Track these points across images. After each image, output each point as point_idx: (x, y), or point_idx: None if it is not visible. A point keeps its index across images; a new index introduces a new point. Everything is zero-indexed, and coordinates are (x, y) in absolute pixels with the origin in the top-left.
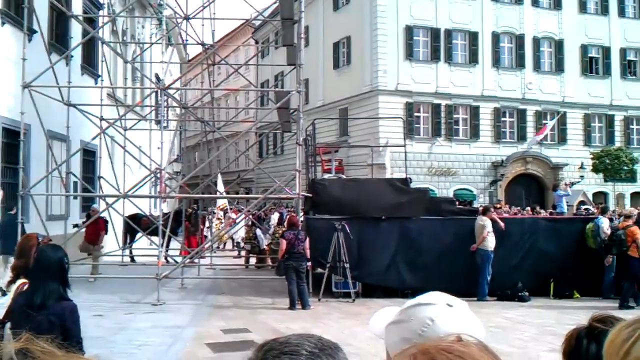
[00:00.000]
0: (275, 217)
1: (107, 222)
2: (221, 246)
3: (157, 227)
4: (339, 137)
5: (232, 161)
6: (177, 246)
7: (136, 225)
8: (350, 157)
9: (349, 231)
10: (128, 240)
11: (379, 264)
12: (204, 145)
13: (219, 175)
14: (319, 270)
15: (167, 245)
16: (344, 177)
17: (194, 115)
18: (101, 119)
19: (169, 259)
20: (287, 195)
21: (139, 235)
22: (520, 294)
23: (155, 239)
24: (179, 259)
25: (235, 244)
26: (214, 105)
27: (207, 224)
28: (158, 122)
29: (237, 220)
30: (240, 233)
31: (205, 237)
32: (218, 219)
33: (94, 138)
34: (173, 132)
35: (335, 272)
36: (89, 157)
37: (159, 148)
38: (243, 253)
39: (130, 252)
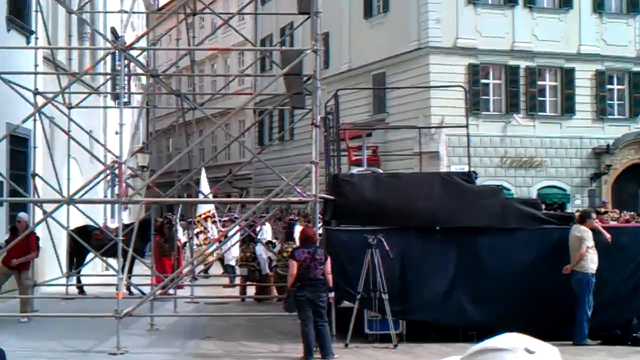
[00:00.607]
0: (267, 229)
1: (38, 238)
2: (207, 271)
3: (116, 244)
4: (372, 115)
5: (221, 151)
6: (145, 271)
7: (86, 242)
8: (389, 144)
9: (387, 248)
10: (75, 264)
11: (432, 294)
12: (181, 128)
13: (203, 171)
14: (346, 303)
15: (130, 270)
16: (380, 171)
17: (167, 86)
18: (36, 92)
19: (132, 289)
20: (299, 198)
21: (90, 256)
22: (635, 334)
23: (112, 261)
24: (146, 290)
25: (226, 268)
26: (195, 72)
27: (185, 239)
28: (116, 97)
29: (229, 234)
30: (233, 252)
31: (184, 258)
32: (202, 232)
33: (25, 120)
34: (137, 110)
35: (368, 306)
36: (19, 146)
37: (117, 133)
38: (238, 280)
39: (78, 281)
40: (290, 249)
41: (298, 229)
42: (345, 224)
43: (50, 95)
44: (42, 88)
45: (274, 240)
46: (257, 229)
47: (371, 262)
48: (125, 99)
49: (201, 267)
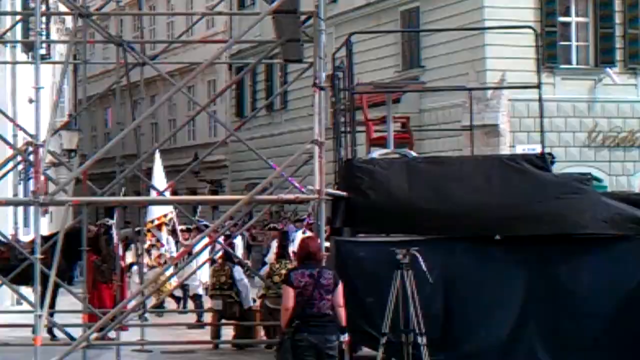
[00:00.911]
0: (238, 243)
1: None
2: (162, 304)
3: (30, 266)
4: (401, 72)
5: (182, 126)
6: (74, 305)
7: None
8: (425, 113)
9: (424, 268)
10: None
11: (491, 335)
12: (124, 94)
13: (157, 157)
14: (366, 350)
15: (53, 305)
16: (413, 154)
17: (103, 30)
18: None
19: (56, 331)
20: (295, 195)
21: None
22: None
23: (26, 291)
24: (76, 333)
25: (191, 298)
26: (143, 9)
27: (132, 259)
28: (30, 48)
29: (195, 250)
30: (201, 276)
31: (130, 284)
32: (154, 245)
33: None
34: (61, 67)
35: (397, 354)
36: None
37: (31, 102)
38: (208, 317)
39: None
40: (283, 270)
41: (297, 240)
42: (363, 233)
43: None
44: None
45: (246, 261)
46: (236, 241)
47: (401, 290)
48: (43, 51)
49: (154, 299)
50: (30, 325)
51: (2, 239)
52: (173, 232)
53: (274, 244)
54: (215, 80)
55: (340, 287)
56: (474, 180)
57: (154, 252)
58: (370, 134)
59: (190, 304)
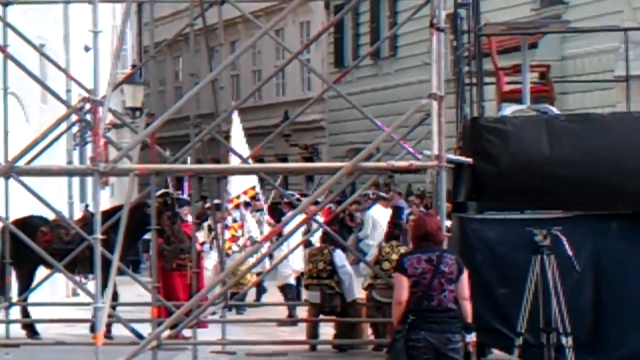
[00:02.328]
0: (375, 214)
1: None
2: (243, 297)
3: (87, 249)
4: (538, 10)
5: (270, 78)
6: (141, 296)
7: (33, 243)
8: (569, 61)
9: (570, 252)
10: (19, 284)
11: None
12: (199, 39)
13: (235, 116)
14: (496, 353)
15: (115, 295)
16: (555, 111)
17: None
18: None
19: (116, 328)
20: (409, 162)
21: (40, 271)
22: None
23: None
24: (145, 330)
25: (280, 289)
26: None
27: (205, 238)
28: None
29: (285, 230)
30: (293, 262)
31: (208, 271)
32: (232, 225)
33: None
34: (122, 7)
35: (534, 357)
36: None
37: (87, 49)
38: (304, 312)
39: (25, 314)
40: (395, 255)
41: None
42: (492, 209)
43: None
44: None
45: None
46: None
47: (541, 279)
48: None
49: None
50: (88, 320)
51: (46, 219)
52: (254, 209)
53: (369, 222)
54: (310, 22)
55: (465, 276)
56: (631, 143)
57: (227, 233)
58: (501, 87)
59: (278, 296)
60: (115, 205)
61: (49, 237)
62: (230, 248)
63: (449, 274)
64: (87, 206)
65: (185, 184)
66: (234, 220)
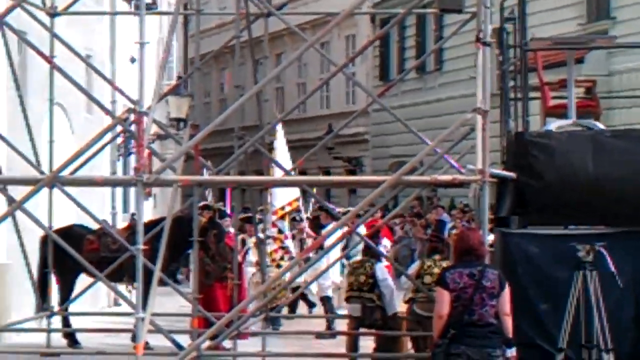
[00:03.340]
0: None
1: None
2: (293, 307)
3: (130, 259)
4: (585, 25)
5: (314, 91)
6: (182, 307)
7: (77, 252)
8: (615, 76)
9: (613, 268)
10: (60, 293)
11: None
12: (244, 51)
13: (280, 128)
14: None
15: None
16: (600, 126)
17: None
18: None
19: (153, 337)
20: (453, 176)
21: (82, 279)
22: None
23: (121, 288)
24: (184, 341)
25: (321, 301)
26: None
27: (249, 250)
28: None
29: (327, 243)
30: (332, 275)
31: (250, 283)
32: (278, 236)
33: None
34: (169, 20)
35: None
36: None
37: (133, 61)
38: (343, 325)
39: (66, 324)
40: (436, 269)
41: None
42: (536, 224)
43: None
44: None
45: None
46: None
47: (583, 295)
48: (149, 0)
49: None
50: (129, 330)
51: (90, 228)
52: (294, 220)
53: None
54: (355, 35)
55: (506, 291)
56: None
57: (271, 247)
58: (546, 101)
59: (319, 308)
60: (162, 217)
61: (96, 245)
62: (282, 258)
63: (491, 288)
64: (133, 215)
65: (227, 196)
66: (280, 232)
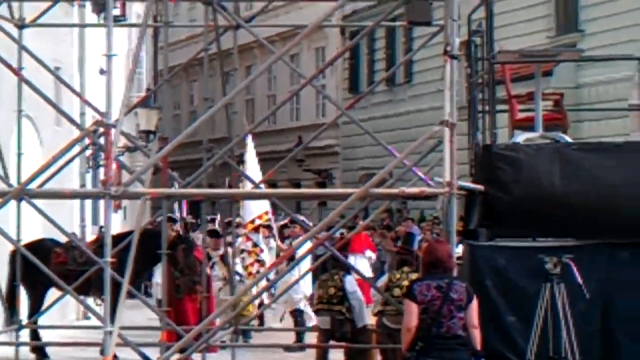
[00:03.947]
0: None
1: None
2: (261, 320)
3: (98, 271)
4: (553, 38)
5: (284, 103)
6: (150, 319)
7: (44, 265)
8: (583, 89)
9: (580, 280)
10: (29, 306)
11: None
12: (214, 64)
13: (249, 140)
14: None
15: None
16: (567, 139)
17: None
18: None
19: (121, 351)
20: (420, 189)
21: (51, 293)
22: None
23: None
24: (154, 354)
25: (291, 314)
26: None
27: (214, 265)
28: (101, 9)
29: (298, 254)
30: (303, 286)
31: (218, 295)
32: (252, 251)
33: None
34: (138, 31)
35: None
36: None
37: (102, 72)
38: (312, 338)
39: (35, 337)
40: (405, 282)
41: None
42: (503, 236)
43: None
44: None
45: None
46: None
47: (551, 307)
48: (118, 11)
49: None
50: (96, 344)
51: (57, 241)
52: (266, 234)
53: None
54: (325, 47)
55: (474, 303)
56: None
57: (248, 260)
58: (514, 114)
59: (289, 321)
60: (131, 230)
61: (63, 258)
62: (258, 272)
63: (459, 301)
64: (101, 228)
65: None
66: (255, 245)
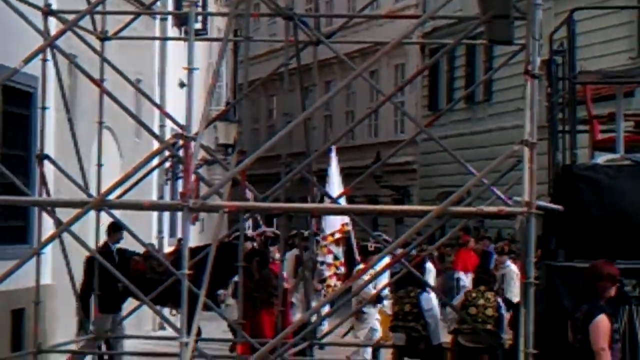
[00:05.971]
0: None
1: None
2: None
3: (175, 284)
4: (636, 58)
5: (362, 119)
6: (225, 332)
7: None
8: None
9: None
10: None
11: None
12: (294, 79)
13: (333, 155)
14: None
15: (199, 330)
16: None
17: (269, 2)
18: (47, 11)
19: None
20: (499, 207)
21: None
22: None
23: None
24: None
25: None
26: None
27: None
28: (182, 23)
29: (374, 270)
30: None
31: (295, 307)
32: (334, 262)
33: (28, 61)
34: (218, 46)
35: None
36: (17, 106)
37: (182, 86)
38: (387, 354)
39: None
40: (482, 301)
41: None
42: (582, 257)
43: (71, 17)
44: (57, 5)
45: None
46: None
47: (629, 330)
48: (199, 25)
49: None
50: (174, 355)
51: (135, 251)
52: (345, 246)
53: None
54: (404, 64)
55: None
56: None
57: (327, 272)
58: (595, 135)
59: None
60: (208, 243)
61: (141, 266)
62: (337, 285)
63: None
64: (179, 240)
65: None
66: (335, 258)
